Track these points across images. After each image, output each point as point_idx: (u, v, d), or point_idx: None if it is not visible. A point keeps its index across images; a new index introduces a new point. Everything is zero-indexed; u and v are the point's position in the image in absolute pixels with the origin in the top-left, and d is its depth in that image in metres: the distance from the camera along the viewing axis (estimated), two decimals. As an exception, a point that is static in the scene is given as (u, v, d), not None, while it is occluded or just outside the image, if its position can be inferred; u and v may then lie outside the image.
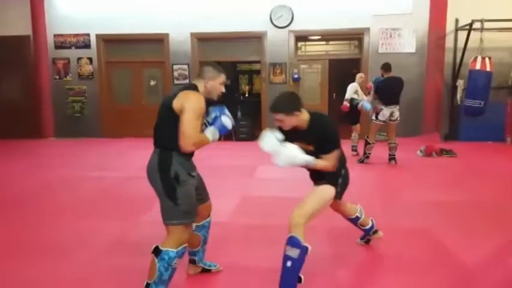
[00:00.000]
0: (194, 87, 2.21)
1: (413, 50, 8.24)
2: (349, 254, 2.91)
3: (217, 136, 2.24)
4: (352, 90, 6.66)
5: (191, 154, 2.22)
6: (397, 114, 5.94)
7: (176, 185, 2.09)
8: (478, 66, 7.14)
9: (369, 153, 6.10)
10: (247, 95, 10.06)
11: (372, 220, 2.91)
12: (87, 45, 8.87)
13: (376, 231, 2.96)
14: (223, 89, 2.30)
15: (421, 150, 6.81)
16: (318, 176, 2.47)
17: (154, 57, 8.86)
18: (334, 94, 9.92)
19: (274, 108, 2.27)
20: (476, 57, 7.17)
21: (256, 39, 8.60)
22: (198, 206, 2.33)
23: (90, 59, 8.93)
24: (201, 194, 2.41)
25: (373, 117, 6.06)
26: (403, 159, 6.20)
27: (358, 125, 6.85)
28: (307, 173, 2.58)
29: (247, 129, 8.61)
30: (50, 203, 4.22)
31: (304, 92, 8.61)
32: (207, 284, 2.53)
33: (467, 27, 7.49)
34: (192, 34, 8.63)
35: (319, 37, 8.86)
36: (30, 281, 2.56)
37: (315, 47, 9.10)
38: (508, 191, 4.67)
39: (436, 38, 8.11)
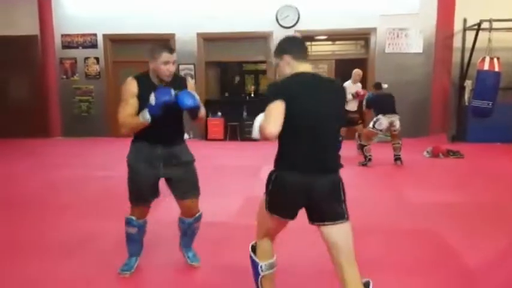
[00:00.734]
0: (145, 72, 2.36)
1: (421, 50, 8.18)
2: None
3: (146, 116, 2.17)
4: (347, 91, 6.53)
5: (146, 144, 2.32)
6: (397, 124, 5.82)
7: (128, 169, 2.41)
8: (486, 67, 7.06)
9: (370, 156, 5.94)
10: (253, 95, 10.04)
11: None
12: (94, 45, 8.93)
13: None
14: (171, 68, 2.26)
15: (427, 151, 6.75)
16: None
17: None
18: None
19: None
20: (485, 57, 7.09)
21: (262, 39, 8.59)
22: (180, 202, 2.47)
23: (97, 59, 8.99)
24: (177, 190, 2.43)
25: (370, 125, 5.96)
26: (409, 160, 6.14)
27: (360, 125, 6.76)
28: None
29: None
30: (54, 202, 4.24)
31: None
32: (209, 285, 2.52)
33: (476, 27, 7.41)
34: (198, 34, 8.64)
35: (325, 37, 8.82)
36: (31, 280, 2.57)
37: (321, 47, 9.07)
38: (516, 193, 4.62)
39: (444, 38, 8.03)
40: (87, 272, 2.64)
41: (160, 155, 2.35)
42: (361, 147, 6.07)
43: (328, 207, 1.84)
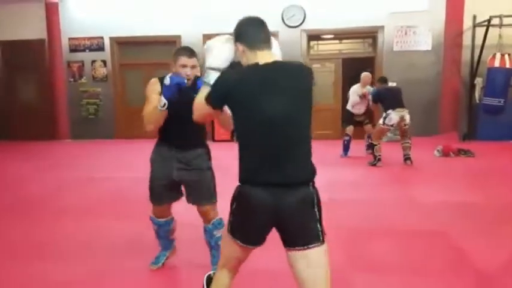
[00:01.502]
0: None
1: (429, 48, 8.07)
2: (358, 254, 2.83)
3: (162, 101, 2.18)
4: (355, 94, 6.40)
5: (165, 146, 2.39)
6: (408, 118, 5.73)
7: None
8: (497, 64, 6.97)
9: (380, 155, 5.82)
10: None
11: None
12: (101, 48, 8.97)
13: None
14: (187, 72, 2.27)
15: (438, 150, 6.64)
16: None
17: (167, 59, 8.78)
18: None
19: None
20: (495, 54, 6.99)
21: (268, 39, 8.52)
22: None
23: (104, 62, 9.02)
24: (189, 195, 2.44)
25: (380, 121, 5.87)
26: (419, 159, 6.04)
27: (369, 125, 6.66)
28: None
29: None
30: (61, 204, 4.23)
31: (317, 91, 8.52)
32: None
33: (485, 23, 7.30)
34: (204, 36, 8.61)
35: (332, 36, 8.75)
36: (31, 281, 2.56)
37: (327, 46, 8.99)
38: (529, 192, 4.51)
39: (453, 35, 7.91)
40: (93, 274, 2.61)
41: (174, 157, 2.37)
42: (372, 146, 5.98)
43: (299, 228, 1.52)
